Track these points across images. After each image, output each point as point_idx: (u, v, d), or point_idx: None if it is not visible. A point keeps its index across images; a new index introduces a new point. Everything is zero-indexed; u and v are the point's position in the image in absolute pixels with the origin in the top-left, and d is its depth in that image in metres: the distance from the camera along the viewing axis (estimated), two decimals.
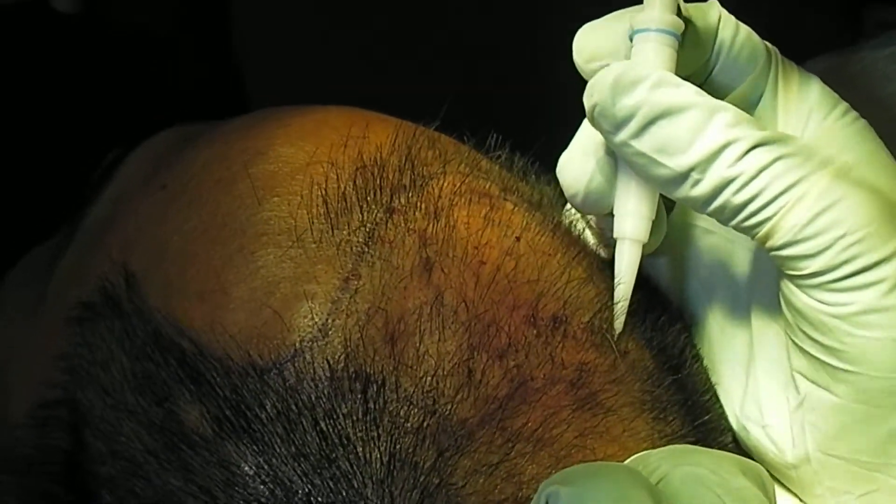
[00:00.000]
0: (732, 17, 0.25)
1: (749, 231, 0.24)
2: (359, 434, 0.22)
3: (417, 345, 0.23)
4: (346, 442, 0.22)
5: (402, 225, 0.25)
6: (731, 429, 0.28)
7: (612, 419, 0.24)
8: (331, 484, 0.22)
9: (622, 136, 0.24)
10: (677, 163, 0.23)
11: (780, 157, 0.23)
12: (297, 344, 0.23)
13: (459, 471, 0.22)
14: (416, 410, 0.22)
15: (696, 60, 0.25)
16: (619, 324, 0.25)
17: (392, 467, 0.22)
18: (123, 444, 0.24)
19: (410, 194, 0.25)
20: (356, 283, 0.24)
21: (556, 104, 0.32)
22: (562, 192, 0.28)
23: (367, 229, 0.24)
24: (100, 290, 0.26)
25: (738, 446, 0.28)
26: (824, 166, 0.23)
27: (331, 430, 0.22)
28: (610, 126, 0.24)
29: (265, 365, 0.23)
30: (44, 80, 0.48)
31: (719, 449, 0.25)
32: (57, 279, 0.30)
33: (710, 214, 0.24)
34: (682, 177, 0.24)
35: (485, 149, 0.29)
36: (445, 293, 0.24)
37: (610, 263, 0.26)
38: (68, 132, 0.47)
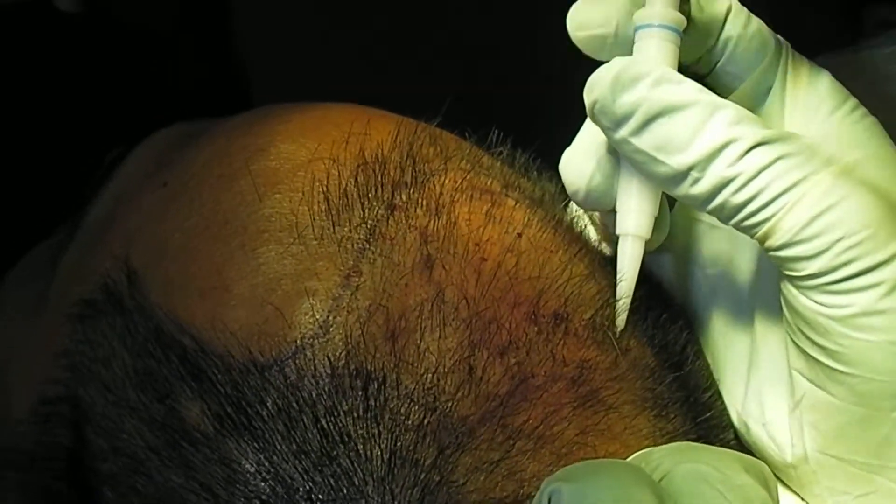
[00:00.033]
0: (745, 9, 0.25)
1: (748, 231, 0.24)
2: (360, 431, 0.22)
3: (418, 342, 0.23)
4: (346, 439, 0.22)
5: (404, 222, 0.25)
6: (732, 426, 0.28)
7: (614, 417, 0.24)
8: (331, 481, 0.22)
9: (622, 133, 0.24)
10: (677, 161, 0.23)
11: (781, 156, 0.23)
12: (299, 341, 0.23)
13: (460, 468, 0.22)
14: (416, 408, 0.22)
15: (699, 48, 0.25)
16: (620, 321, 0.25)
17: (393, 465, 0.22)
18: (125, 441, 0.24)
19: (412, 191, 0.25)
20: (357, 279, 0.24)
21: (557, 104, 0.32)
22: (564, 188, 0.28)
23: (369, 226, 0.24)
24: (102, 287, 0.26)
25: (741, 443, 0.28)
26: (827, 165, 0.23)
27: (332, 427, 0.22)
28: (610, 123, 0.24)
29: (266, 362, 0.23)
30: (45, 79, 0.48)
31: (721, 446, 0.25)
32: (58, 277, 0.30)
33: (709, 213, 0.24)
34: (682, 175, 0.24)
35: (486, 145, 0.29)
36: (446, 290, 0.24)
37: (612, 260, 0.26)
38: (70, 131, 0.47)
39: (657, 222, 0.26)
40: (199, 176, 0.27)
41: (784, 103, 0.25)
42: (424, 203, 0.25)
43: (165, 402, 0.24)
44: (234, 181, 0.26)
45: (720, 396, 0.28)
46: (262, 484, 0.22)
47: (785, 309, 0.25)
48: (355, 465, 0.22)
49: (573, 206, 0.29)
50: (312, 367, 0.23)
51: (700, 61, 0.26)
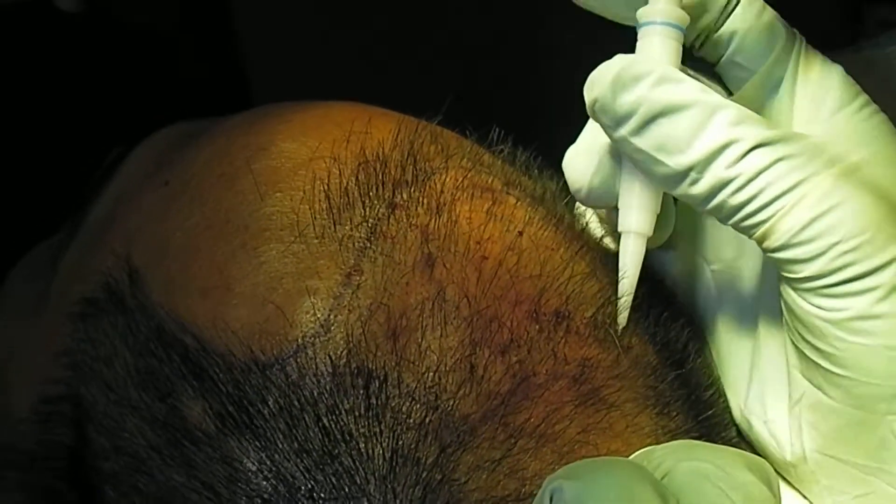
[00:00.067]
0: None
1: (746, 231, 0.24)
2: (361, 430, 0.22)
3: (419, 340, 0.23)
4: (348, 438, 0.22)
5: (405, 220, 0.25)
6: (735, 424, 0.28)
7: (616, 415, 0.24)
8: (333, 480, 0.22)
9: (622, 132, 0.24)
10: (676, 162, 0.23)
11: (781, 157, 0.23)
12: (300, 339, 0.23)
13: (462, 467, 0.22)
14: (418, 406, 0.22)
15: (700, 21, 0.25)
16: (622, 318, 0.25)
17: (394, 463, 0.22)
18: (126, 440, 0.24)
19: (412, 189, 0.25)
20: (358, 278, 0.24)
21: (557, 104, 0.32)
22: (565, 185, 0.28)
23: (370, 225, 0.24)
24: (103, 286, 0.26)
25: (742, 441, 0.28)
26: (829, 166, 0.23)
27: (333, 425, 0.22)
28: (610, 121, 0.24)
29: (268, 361, 0.23)
30: (47, 79, 0.48)
31: (723, 444, 0.25)
32: (59, 277, 0.30)
33: (708, 212, 0.24)
34: (681, 175, 0.24)
35: (487, 143, 0.29)
36: (447, 288, 0.24)
37: (614, 257, 0.26)
38: (71, 131, 0.47)
39: (662, 219, 0.26)
40: (200, 175, 0.27)
41: (794, 97, 0.25)
42: (425, 201, 0.25)
43: (167, 400, 0.24)
44: (236, 180, 0.26)
45: (722, 394, 0.28)
46: (264, 483, 0.22)
47: (784, 309, 0.25)
48: (357, 463, 0.22)
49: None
50: (314, 366, 0.23)
51: (706, 47, 0.26)
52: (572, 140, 0.28)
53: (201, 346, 0.24)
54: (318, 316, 0.23)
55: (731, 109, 0.23)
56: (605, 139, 0.26)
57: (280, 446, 0.22)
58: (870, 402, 0.23)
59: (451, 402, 0.22)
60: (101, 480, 0.25)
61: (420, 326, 0.23)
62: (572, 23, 0.53)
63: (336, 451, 0.22)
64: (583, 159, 0.27)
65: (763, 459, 0.22)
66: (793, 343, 0.25)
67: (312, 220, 0.24)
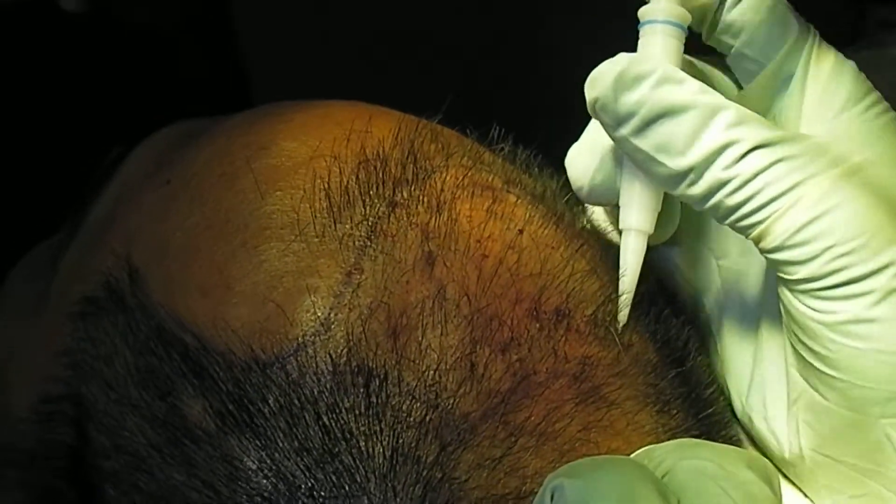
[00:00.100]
0: None
1: (742, 231, 0.24)
2: (361, 428, 0.22)
3: (420, 339, 0.23)
4: (348, 436, 0.22)
5: (405, 219, 0.25)
6: (735, 421, 0.28)
7: (616, 413, 0.24)
8: (333, 478, 0.22)
9: (622, 131, 0.24)
10: (675, 163, 0.24)
11: (780, 159, 0.23)
12: (300, 338, 0.23)
13: (462, 465, 0.22)
14: (418, 404, 0.22)
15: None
16: (622, 316, 0.25)
17: (395, 461, 0.22)
18: (127, 439, 0.24)
19: (413, 188, 0.25)
20: (359, 277, 0.24)
21: (557, 104, 0.32)
22: (565, 183, 0.28)
23: (370, 223, 0.24)
24: (103, 285, 0.26)
25: (743, 440, 0.28)
26: (830, 167, 0.23)
27: (333, 424, 0.22)
28: (611, 121, 0.24)
29: (268, 359, 0.23)
30: (49, 78, 0.48)
31: (724, 442, 0.25)
32: (59, 276, 0.30)
33: (706, 212, 0.24)
34: (681, 176, 0.24)
35: (487, 142, 0.29)
36: (448, 287, 0.24)
37: (614, 255, 0.26)
38: (71, 130, 0.47)
39: (667, 215, 0.26)
40: (200, 174, 0.27)
41: (804, 94, 0.25)
42: (426, 200, 0.25)
43: (167, 399, 0.24)
44: (236, 179, 0.26)
45: (722, 392, 0.28)
46: (264, 481, 0.22)
47: (782, 309, 0.25)
48: (357, 462, 0.22)
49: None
50: (314, 365, 0.23)
51: (717, 37, 0.25)
52: (572, 139, 0.28)
53: (201, 344, 0.24)
54: (319, 314, 0.23)
55: (731, 110, 0.23)
56: (607, 137, 0.26)
57: (280, 445, 0.22)
58: (863, 406, 0.23)
59: (452, 401, 0.22)
60: (101, 479, 0.25)
61: (420, 325, 0.23)
62: (572, 23, 0.53)
63: (336, 449, 0.22)
64: (585, 157, 0.27)
65: (764, 458, 0.22)
66: (790, 343, 0.25)
67: (313, 218, 0.24)
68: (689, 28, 0.26)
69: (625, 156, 0.26)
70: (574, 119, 0.28)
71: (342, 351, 0.23)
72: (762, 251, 0.24)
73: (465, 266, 0.24)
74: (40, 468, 0.27)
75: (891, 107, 0.25)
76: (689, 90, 0.24)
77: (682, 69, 0.25)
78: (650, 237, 0.26)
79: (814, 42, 0.25)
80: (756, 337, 0.27)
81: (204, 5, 0.55)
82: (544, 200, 0.28)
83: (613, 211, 0.28)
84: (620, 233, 0.26)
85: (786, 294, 0.24)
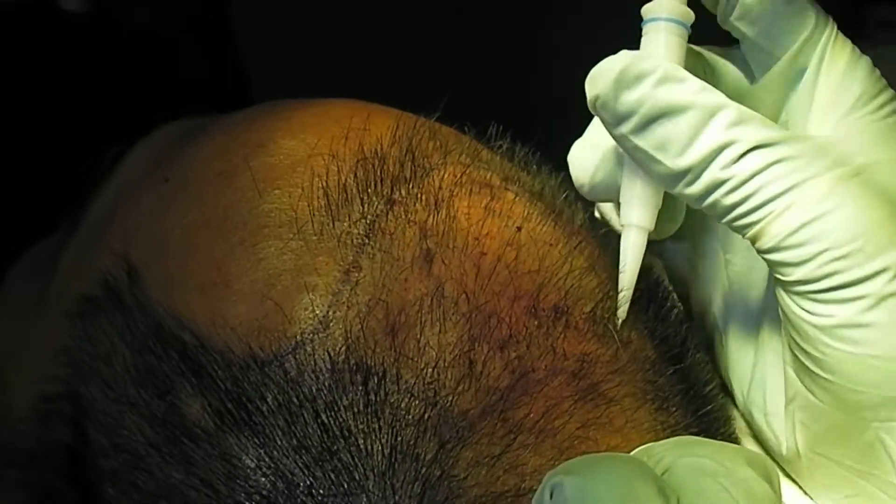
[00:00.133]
0: None
1: (739, 231, 0.24)
2: (360, 426, 0.22)
3: (418, 336, 0.23)
4: (347, 434, 0.22)
5: (403, 216, 0.25)
6: (734, 419, 0.28)
7: (615, 410, 0.24)
8: (332, 476, 0.22)
9: (622, 130, 0.24)
10: (674, 163, 0.24)
11: (779, 159, 0.23)
12: (298, 336, 0.23)
13: (461, 462, 0.22)
14: (417, 402, 0.22)
15: None
16: (622, 312, 0.25)
17: (393, 459, 0.22)
18: (125, 438, 0.24)
19: (411, 185, 0.25)
20: (357, 274, 0.24)
21: (556, 104, 0.32)
22: (564, 181, 0.28)
23: (368, 221, 0.24)
24: (102, 283, 0.26)
25: (742, 437, 0.28)
26: (830, 169, 0.23)
27: (332, 422, 0.22)
28: (611, 119, 0.24)
29: (266, 357, 0.23)
30: (50, 78, 0.48)
31: (723, 440, 0.25)
32: (58, 275, 0.30)
33: (703, 210, 0.24)
34: (679, 175, 0.24)
35: (485, 139, 0.29)
36: (446, 284, 0.23)
37: (613, 252, 0.26)
38: (72, 130, 0.47)
39: (671, 211, 0.26)
40: (199, 172, 0.27)
41: (815, 90, 0.25)
42: (424, 198, 0.25)
43: (166, 398, 0.24)
44: (234, 177, 0.26)
45: (720, 390, 0.28)
46: (263, 479, 0.22)
47: (779, 308, 0.25)
48: (356, 459, 0.22)
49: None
50: (312, 363, 0.23)
51: (732, 23, 0.25)
52: (572, 139, 0.28)
53: (200, 343, 0.24)
54: (317, 312, 0.23)
55: (731, 110, 0.23)
56: (607, 135, 0.26)
57: (279, 443, 0.22)
58: (855, 409, 0.23)
59: (450, 398, 0.22)
60: (100, 478, 0.25)
61: (419, 322, 0.23)
62: (572, 23, 0.53)
63: (335, 447, 0.22)
64: (586, 154, 0.27)
65: (764, 455, 0.22)
66: (787, 342, 0.25)
67: (311, 216, 0.24)
68: (707, 13, 0.25)
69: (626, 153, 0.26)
70: (574, 119, 0.28)
71: (340, 349, 0.23)
72: (758, 251, 0.24)
73: (463, 263, 0.24)
74: (40, 468, 0.27)
75: None
76: (690, 89, 0.23)
77: (689, 62, 0.25)
78: (652, 233, 0.26)
79: (830, 35, 0.25)
80: (758, 333, 0.27)
81: (204, 5, 0.55)
82: (542, 197, 0.28)
83: (618, 207, 0.28)
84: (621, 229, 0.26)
85: (781, 295, 0.24)
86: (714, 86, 0.24)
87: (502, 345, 0.23)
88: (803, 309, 0.23)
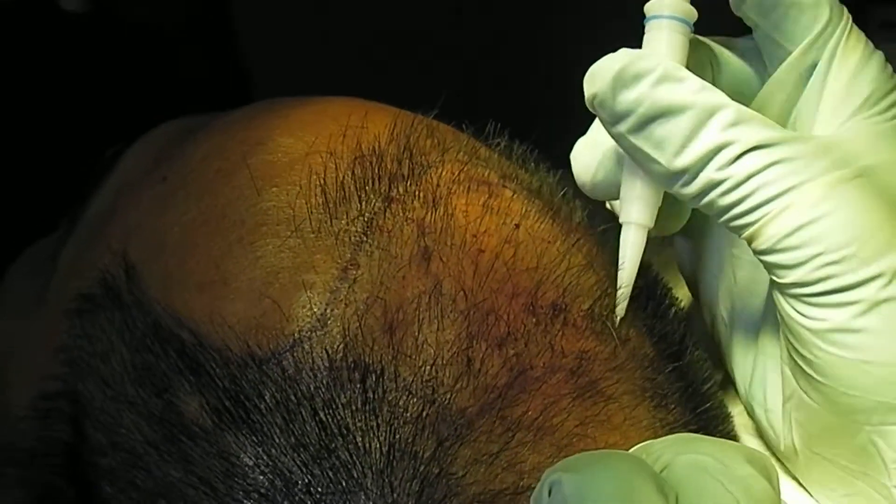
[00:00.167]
0: None
1: (735, 231, 0.24)
2: (358, 424, 0.22)
3: (416, 334, 0.23)
4: (345, 432, 0.22)
5: (401, 214, 0.25)
6: (733, 416, 0.28)
7: (613, 407, 0.24)
8: (330, 474, 0.22)
9: (620, 128, 0.24)
10: (671, 163, 0.24)
11: (776, 161, 0.23)
12: (296, 334, 0.23)
13: (459, 460, 0.22)
14: (415, 400, 0.22)
15: None
16: (620, 309, 0.25)
17: (392, 457, 0.22)
18: (124, 436, 0.24)
19: (409, 183, 0.25)
20: (355, 272, 0.24)
21: (556, 104, 0.32)
22: (562, 178, 0.28)
23: (366, 219, 0.24)
24: (100, 281, 0.26)
25: (741, 434, 0.28)
26: (829, 171, 0.23)
27: (330, 420, 0.22)
28: (609, 117, 0.24)
29: (264, 355, 0.23)
30: (50, 78, 0.48)
31: (721, 437, 0.25)
32: (57, 273, 0.30)
33: (700, 209, 0.24)
34: (676, 175, 0.24)
35: (483, 136, 0.29)
36: (444, 282, 0.23)
37: (611, 250, 0.26)
38: (72, 129, 0.47)
39: (677, 207, 0.26)
40: (197, 170, 0.27)
41: (824, 87, 0.24)
42: (421, 195, 0.25)
43: (164, 396, 0.24)
44: (232, 175, 0.26)
45: (719, 388, 0.28)
46: (261, 477, 0.22)
47: (776, 309, 0.25)
48: (354, 457, 0.22)
49: None
50: (310, 360, 0.23)
51: (744, 7, 0.25)
52: (572, 139, 0.28)
53: (198, 341, 0.24)
54: (315, 310, 0.23)
55: (729, 110, 0.23)
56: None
57: (277, 441, 0.22)
58: (848, 412, 0.23)
59: (448, 396, 0.22)
60: (98, 476, 0.25)
61: (417, 320, 0.23)
62: (572, 23, 0.53)
63: (333, 445, 0.22)
64: (589, 153, 0.27)
65: (763, 453, 0.22)
66: (784, 342, 0.25)
67: (309, 214, 0.24)
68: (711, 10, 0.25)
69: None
70: (574, 119, 0.28)
71: (338, 346, 0.23)
72: (754, 252, 0.24)
73: (461, 261, 0.24)
74: (39, 466, 0.27)
75: None
76: (689, 88, 0.23)
77: (696, 56, 0.25)
78: (656, 229, 0.26)
79: (844, 30, 0.24)
80: (761, 329, 0.27)
81: (204, 5, 0.55)
82: (541, 195, 0.27)
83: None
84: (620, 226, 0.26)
85: (777, 296, 0.24)
86: (721, 80, 0.24)
87: (500, 342, 0.23)
88: (797, 311, 0.23)
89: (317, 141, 0.26)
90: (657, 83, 0.23)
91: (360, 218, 0.24)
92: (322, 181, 0.25)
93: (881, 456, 0.23)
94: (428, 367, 0.23)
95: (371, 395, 0.22)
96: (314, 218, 0.24)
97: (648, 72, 0.23)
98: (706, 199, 0.23)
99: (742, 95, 0.25)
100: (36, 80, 0.48)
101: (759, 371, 0.27)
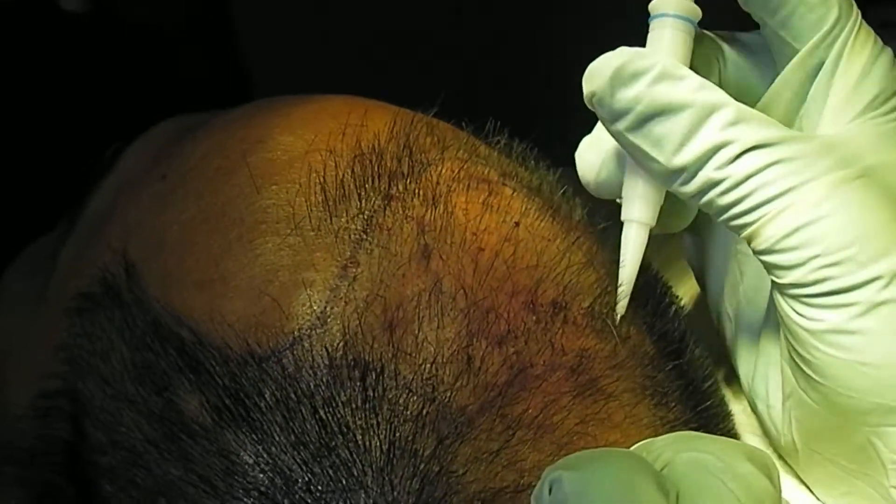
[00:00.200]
0: None
1: (734, 230, 0.24)
2: (358, 422, 0.22)
3: (416, 332, 0.23)
4: (345, 430, 0.22)
5: (401, 212, 0.24)
6: (733, 414, 0.28)
7: (614, 405, 0.24)
8: (330, 472, 0.22)
9: (618, 126, 0.24)
10: (669, 161, 0.24)
11: (776, 161, 0.23)
12: (296, 332, 0.23)
13: (460, 458, 0.22)
14: (415, 398, 0.22)
15: None
16: (621, 307, 0.25)
17: (392, 455, 0.22)
18: (123, 434, 0.24)
19: (408, 181, 0.25)
20: (354, 270, 0.24)
21: (556, 104, 0.32)
22: (562, 176, 0.28)
23: (366, 217, 0.24)
24: (100, 280, 0.26)
25: (741, 432, 0.28)
26: (830, 172, 0.23)
27: (330, 418, 0.22)
28: (607, 115, 0.24)
29: (264, 353, 0.23)
30: (50, 78, 0.48)
31: (722, 435, 0.25)
32: (57, 271, 0.30)
33: (699, 208, 0.24)
34: (674, 174, 0.24)
35: (483, 134, 0.29)
36: (444, 280, 0.23)
37: (611, 248, 0.26)
38: (72, 129, 0.47)
39: (679, 206, 0.26)
40: (197, 168, 0.27)
41: (831, 86, 0.24)
42: (421, 193, 0.25)
43: (164, 394, 0.24)
44: (232, 173, 0.26)
45: (719, 386, 0.28)
46: (261, 475, 0.22)
47: (776, 307, 0.25)
48: (354, 455, 0.22)
49: None
50: (310, 358, 0.23)
51: (751, 1, 0.25)
52: (572, 138, 0.28)
53: (198, 339, 0.24)
54: (315, 308, 0.23)
55: (728, 109, 0.23)
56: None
57: (277, 439, 0.22)
58: (846, 412, 0.23)
59: (449, 394, 0.22)
60: (98, 475, 0.25)
61: (417, 318, 0.23)
62: (572, 23, 0.53)
63: (333, 443, 0.22)
64: (592, 151, 0.27)
65: (763, 451, 0.22)
66: (783, 341, 0.25)
67: (308, 212, 0.24)
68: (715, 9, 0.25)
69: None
70: (574, 118, 0.28)
71: (338, 344, 0.23)
72: (753, 251, 0.24)
73: (461, 259, 0.24)
74: (39, 465, 0.27)
75: None
76: (688, 87, 0.23)
77: (702, 54, 0.25)
78: (660, 227, 0.26)
79: (852, 29, 0.24)
80: (765, 325, 0.27)
81: (204, 5, 0.55)
82: (540, 193, 0.27)
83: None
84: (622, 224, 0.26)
85: (776, 295, 0.24)
86: (728, 75, 0.24)
87: (500, 340, 0.23)
88: (796, 312, 0.23)
89: (316, 139, 0.26)
90: (655, 81, 0.23)
91: (360, 216, 0.24)
92: (322, 179, 0.25)
93: (879, 457, 0.23)
94: (428, 365, 0.23)
95: (371, 393, 0.22)
96: (314, 216, 0.24)
97: (646, 70, 0.23)
98: (705, 199, 0.24)
99: (750, 91, 0.25)
100: (36, 79, 0.48)
101: (761, 367, 0.27)
